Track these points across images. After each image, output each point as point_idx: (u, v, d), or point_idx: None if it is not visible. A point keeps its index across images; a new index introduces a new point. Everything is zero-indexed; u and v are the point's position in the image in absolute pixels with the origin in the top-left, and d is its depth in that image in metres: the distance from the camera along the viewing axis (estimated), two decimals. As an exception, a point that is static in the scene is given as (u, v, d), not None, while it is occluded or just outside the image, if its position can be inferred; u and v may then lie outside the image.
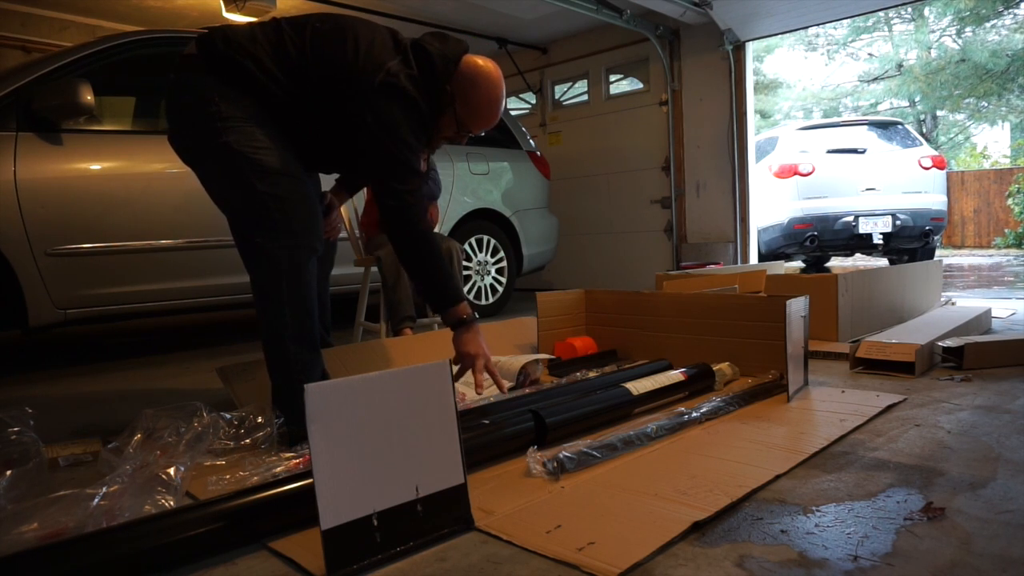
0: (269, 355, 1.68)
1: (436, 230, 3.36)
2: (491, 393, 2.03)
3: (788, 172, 6.31)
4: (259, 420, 1.65)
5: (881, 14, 15.38)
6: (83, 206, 2.90)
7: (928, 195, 6.27)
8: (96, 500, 1.14)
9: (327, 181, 2.21)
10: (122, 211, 3.00)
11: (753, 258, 5.65)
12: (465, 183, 4.43)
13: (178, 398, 1.66)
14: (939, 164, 6.42)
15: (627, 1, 5.12)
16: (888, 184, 6.22)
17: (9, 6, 4.97)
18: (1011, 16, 13.65)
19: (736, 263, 5.46)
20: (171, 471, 1.28)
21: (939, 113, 16.79)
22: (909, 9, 14.91)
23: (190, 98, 1.67)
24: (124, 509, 1.13)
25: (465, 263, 4.27)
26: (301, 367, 1.66)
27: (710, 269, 4.33)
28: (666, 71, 5.80)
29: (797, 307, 1.95)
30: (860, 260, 8.69)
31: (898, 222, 6.09)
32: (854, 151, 6.38)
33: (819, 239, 6.15)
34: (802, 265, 7.13)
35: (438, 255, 1.75)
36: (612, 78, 6.42)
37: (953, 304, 3.61)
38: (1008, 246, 12.00)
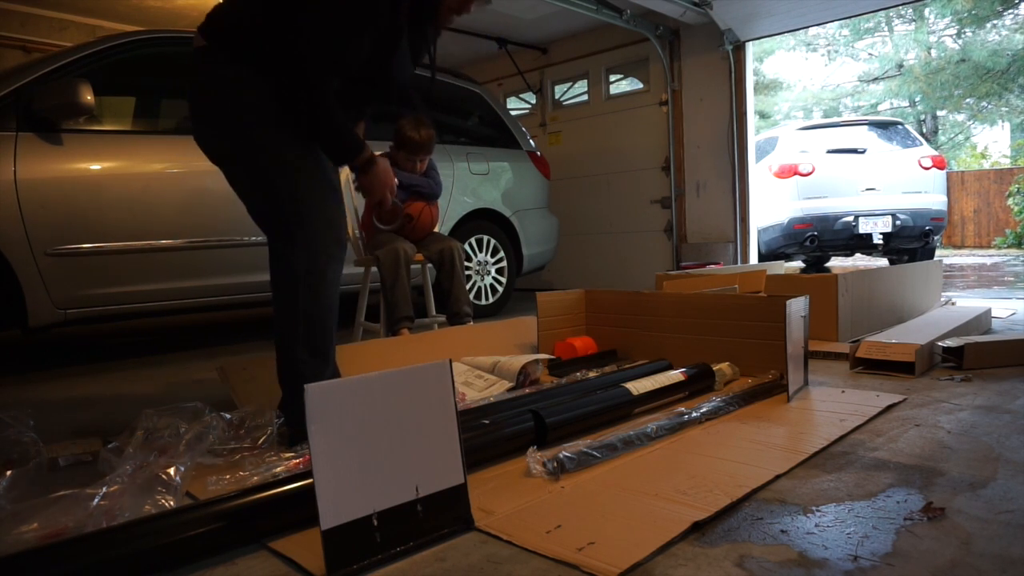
0: (280, 360, 1.65)
1: (436, 230, 3.35)
2: (491, 393, 2.03)
3: (788, 172, 6.31)
4: (259, 420, 1.65)
5: (882, 15, 15.38)
6: (83, 206, 2.90)
7: (928, 195, 6.27)
8: (96, 500, 1.14)
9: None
10: (122, 211, 3.00)
11: (753, 258, 5.65)
12: (465, 183, 4.43)
13: (178, 398, 1.67)
14: (939, 164, 6.42)
15: (627, 1, 5.12)
16: (888, 184, 6.22)
17: (9, 6, 4.97)
18: (1011, 16, 13.65)
19: (736, 263, 5.46)
20: (171, 471, 1.28)
21: (939, 113, 16.80)
22: (910, 9, 14.91)
23: (214, 93, 1.61)
24: (124, 509, 1.13)
25: (465, 263, 4.27)
26: (312, 378, 1.61)
27: (710, 269, 4.33)
28: (666, 71, 5.80)
29: (797, 307, 1.95)
30: (860, 260, 8.69)
31: (898, 222, 6.09)
32: (854, 151, 6.38)
33: (819, 239, 6.15)
34: (802, 265, 7.13)
35: (333, 107, 1.61)
36: (612, 78, 6.42)
37: (953, 304, 3.61)
38: (1008, 246, 12.01)
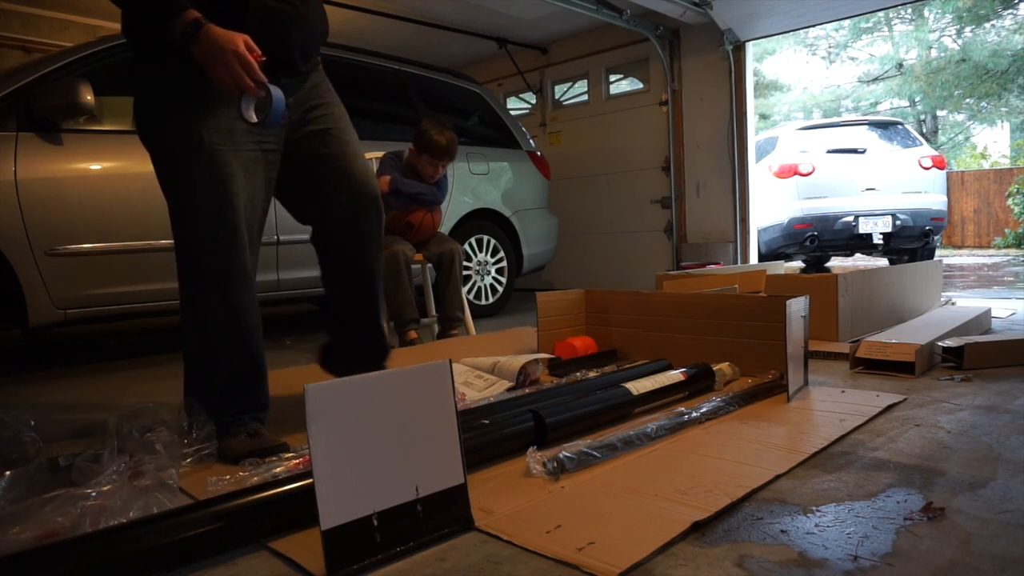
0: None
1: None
2: (491, 393, 2.03)
3: (788, 172, 6.31)
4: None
5: (881, 15, 15.38)
6: (83, 206, 2.90)
7: (928, 195, 6.27)
8: (91, 500, 1.14)
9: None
10: (122, 211, 3.00)
11: (753, 258, 5.65)
12: (465, 183, 4.43)
13: (178, 398, 1.66)
14: (939, 164, 6.43)
15: (627, 1, 5.12)
16: (888, 184, 6.22)
17: (9, 6, 4.97)
18: (1011, 17, 13.65)
19: (736, 263, 5.46)
20: (168, 471, 1.27)
21: (939, 113, 16.80)
22: (909, 9, 14.91)
23: (134, 98, 1.57)
24: (119, 509, 1.13)
25: (465, 263, 4.28)
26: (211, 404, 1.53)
27: (710, 269, 4.33)
28: (666, 71, 5.80)
29: (797, 307, 1.95)
30: (860, 260, 8.69)
31: (898, 222, 6.09)
32: (854, 151, 6.38)
33: (819, 239, 6.15)
34: (802, 265, 7.13)
35: None
36: (612, 78, 6.42)
37: (953, 304, 3.61)
38: (1008, 246, 12.01)
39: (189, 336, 1.59)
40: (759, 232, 6.20)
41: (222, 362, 1.57)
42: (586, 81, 6.51)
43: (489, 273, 4.52)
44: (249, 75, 1.40)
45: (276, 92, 1.42)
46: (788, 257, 6.52)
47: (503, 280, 4.61)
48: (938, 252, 9.16)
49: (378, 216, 1.80)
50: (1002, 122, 16.65)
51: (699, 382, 1.99)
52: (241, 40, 1.40)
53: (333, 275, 1.84)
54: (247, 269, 1.56)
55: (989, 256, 10.51)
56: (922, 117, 16.70)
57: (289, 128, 1.65)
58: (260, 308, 1.64)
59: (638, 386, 1.80)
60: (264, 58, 1.43)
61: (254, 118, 1.44)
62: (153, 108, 1.54)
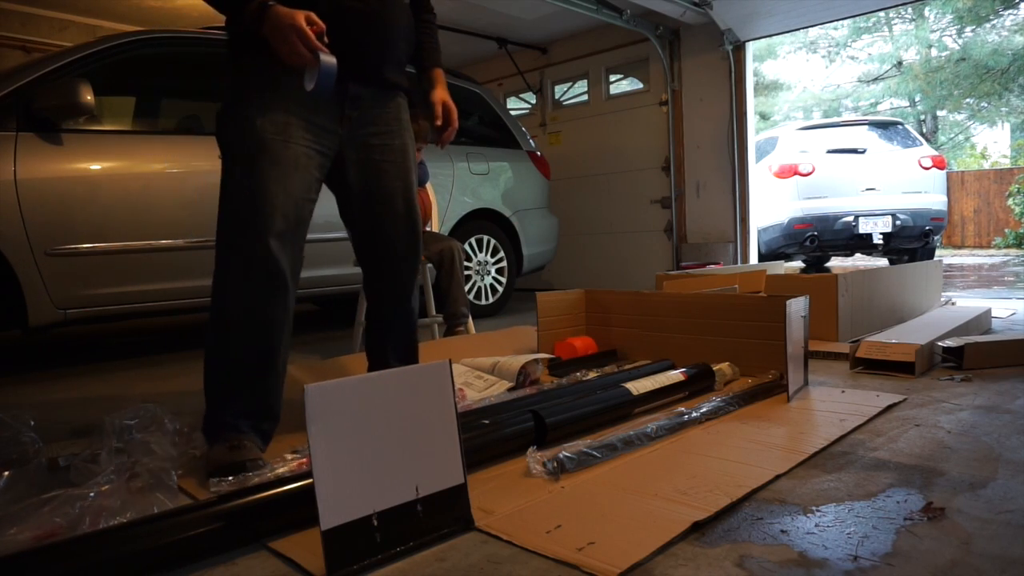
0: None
1: (436, 229, 3.35)
2: (491, 393, 2.03)
3: (788, 172, 6.31)
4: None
5: (881, 14, 15.38)
6: (83, 206, 2.90)
7: (928, 195, 6.27)
8: (90, 500, 1.14)
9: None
10: (122, 211, 3.00)
11: (753, 258, 5.65)
12: (465, 183, 4.43)
13: (178, 398, 1.66)
14: (939, 164, 6.43)
15: (627, 1, 5.12)
16: (888, 184, 6.22)
17: (9, 6, 4.97)
18: (1011, 17, 13.63)
19: (736, 263, 5.46)
20: (167, 471, 1.27)
21: (939, 113, 16.79)
22: (909, 9, 14.90)
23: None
24: (119, 509, 1.13)
25: (465, 263, 4.28)
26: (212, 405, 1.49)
27: (710, 269, 4.33)
28: (666, 71, 5.80)
29: (797, 307, 1.95)
30: (860, 260, 8.69)
31: (898, 222, 6.09)
32: (854, 151, 6.38)
33: (819, 239, 6.15)
34: (802, 265, 7.13)
35: None
36: (612, 78, 6.42)
37: (953, 304, 3.61)
38: (1008, 246, 12.01)
39: (209, 325, 1.52)
40: (759, 232, 6.20)
41: (233, 348, 1.48)
42: (586, 81, 6.51)
43: (489, 273, 4.52)
44: (305, 45, 1.40)
45: (326, 59, 1.41)
46: (788, 257, 6.52)
47: (503, 280, 4.61)
48: (938, 252, 9.16)
49: (414, 260, 1.83)
50: (1002, 122, 16.64)
51: (699, 382, 1.99)
52: (301, 15, 1.41)
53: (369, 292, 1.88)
54: (275, 259, 1.48)
55: (989, 256, 10.51)
56: (922, 117, 16.70)
57: (346, 145, 1.67)
58: None
59: (638, 386, 1.80)
60: (324, 28, 1.44)
61: (310, 86, 1.42)
62: (225, 99, 1.58)
